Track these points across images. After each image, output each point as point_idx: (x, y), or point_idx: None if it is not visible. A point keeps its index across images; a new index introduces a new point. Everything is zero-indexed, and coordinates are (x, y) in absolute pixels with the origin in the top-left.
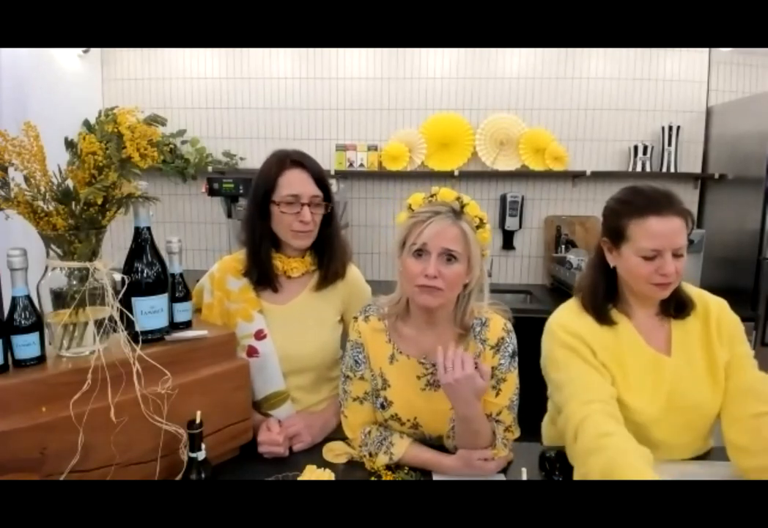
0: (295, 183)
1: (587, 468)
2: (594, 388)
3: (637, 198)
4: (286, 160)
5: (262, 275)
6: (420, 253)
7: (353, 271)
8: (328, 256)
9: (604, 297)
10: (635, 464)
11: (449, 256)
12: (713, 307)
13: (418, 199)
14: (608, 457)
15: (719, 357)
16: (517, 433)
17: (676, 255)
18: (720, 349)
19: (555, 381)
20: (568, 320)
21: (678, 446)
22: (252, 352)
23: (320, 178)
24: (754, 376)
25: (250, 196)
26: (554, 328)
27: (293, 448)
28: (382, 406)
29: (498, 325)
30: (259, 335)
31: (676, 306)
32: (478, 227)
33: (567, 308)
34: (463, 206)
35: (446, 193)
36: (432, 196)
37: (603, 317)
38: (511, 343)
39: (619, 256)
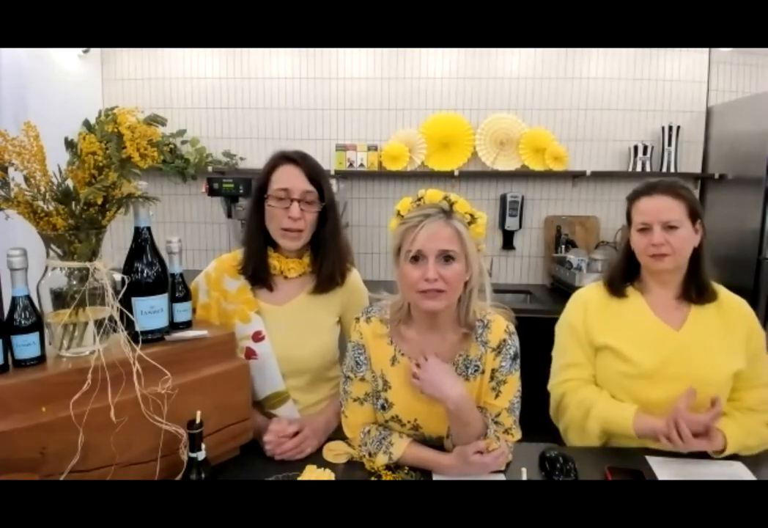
0: (285, 178)
1: (588, 432)
2: (574, 368)
3: (641, 186)
4: (279, 158)
5: (255, 272)
6: (417, 258)
7: (353, 275)
8: (322, 259)
9: (622, 273)
10: (608, 403)
11: (447, 257)
12: (736, 303)
13: (406, 204)
14: (593, 416)
15: (737, 345)
16: (517, 436)
17: (669, 227)
18: (738, 339)
19: (553, 351)
20: (584, 289)
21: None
22: (250, 354)
23: (314, 176)
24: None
25: (250, 196)
26: (571, 298)
27: (302, 453)
28: (383, 408)
29: (500, 327)
30: (257, 337)
31: (697, 290)
32: (470, 223)
33: (593, 283)
34: (452, 205)
35: (433, 195)
36: (419, 199)
37: (616, 289)
38: (513, 345)
39: (630, 237)
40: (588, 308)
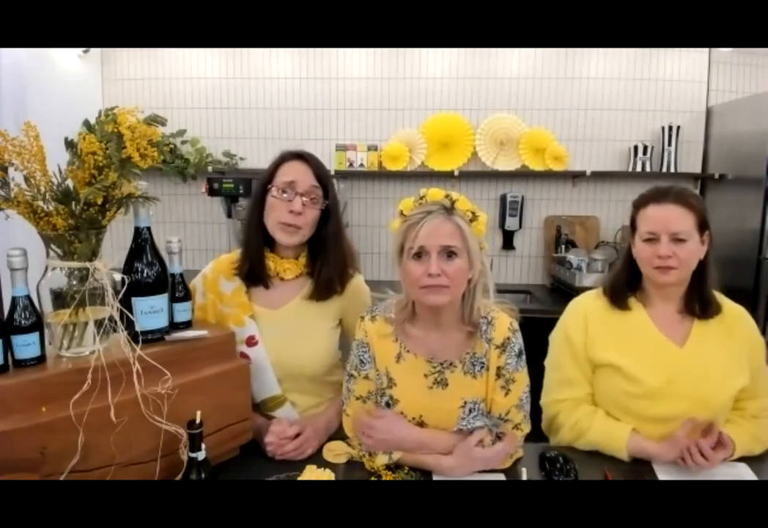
0: (292, 172)
1: (579, 447)
2: (569, 387)
3: (650, 191)
4: (288, 154)
5: (252, 270)
6: (419, 255)
7: (355, 281)
8: (321, 262)
9: (624, 283)
10: (601, 428)
11: (449, 253)
12: (738, 314)
13: (409, 203)
14: (585, 441)
15: (741, 359)
16: (526, 430)
17: (677, 240)
18: (741, 354)
19: (547, 362)
20: (584, 298)
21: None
22: (243, 358)
23: (321, 175)
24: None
25: (251, 196)
26: (568, 307)
27: (303, 454)
28: (388, 405)
29: (504, 325)
30: (251, 342)
31: (701, 305)
32: (471, 220)
33: (593, 291)
34: (453, 202)
35: (435, 193)
36: (421, 198)
37: (618, 301)
38: (517, 342)
39: (633, 244)
40: (588, 321)
